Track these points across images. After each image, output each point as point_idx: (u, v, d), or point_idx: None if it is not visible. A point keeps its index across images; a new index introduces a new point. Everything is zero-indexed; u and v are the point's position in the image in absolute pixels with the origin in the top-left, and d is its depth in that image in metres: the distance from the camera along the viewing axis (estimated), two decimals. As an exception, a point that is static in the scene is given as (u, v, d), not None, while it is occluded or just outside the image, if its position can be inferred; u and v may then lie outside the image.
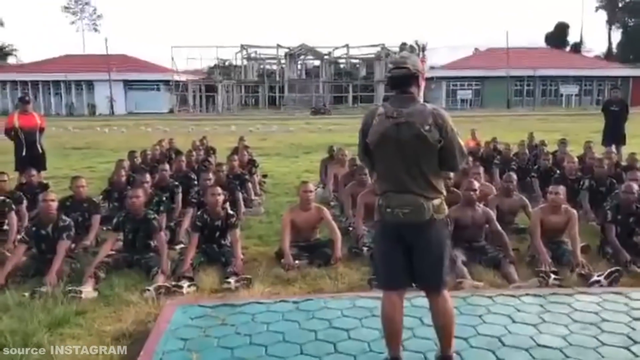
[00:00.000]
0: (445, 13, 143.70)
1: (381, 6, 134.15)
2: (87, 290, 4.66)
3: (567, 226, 5.51)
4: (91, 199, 6.55)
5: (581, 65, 54.57)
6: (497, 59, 50.99)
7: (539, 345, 3.55)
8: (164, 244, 5.38)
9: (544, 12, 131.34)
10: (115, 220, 5.58)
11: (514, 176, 6.62)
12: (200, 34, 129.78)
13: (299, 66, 59.05)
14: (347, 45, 55.93)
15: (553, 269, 5.00)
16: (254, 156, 11.63)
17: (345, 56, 58.05)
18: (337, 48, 56.28)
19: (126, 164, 8.57)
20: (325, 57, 55.06)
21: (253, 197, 8.37)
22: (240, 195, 7.54)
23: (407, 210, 2.98)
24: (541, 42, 70.43)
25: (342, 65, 59.66)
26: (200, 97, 51.72)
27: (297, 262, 5.32)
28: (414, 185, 2.99)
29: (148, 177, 6.89)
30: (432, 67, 50.28)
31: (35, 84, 49.71)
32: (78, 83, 50.51)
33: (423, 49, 59.63)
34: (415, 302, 3.96)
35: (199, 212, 5.82)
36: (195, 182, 7.77)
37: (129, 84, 50.91)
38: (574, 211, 5.59)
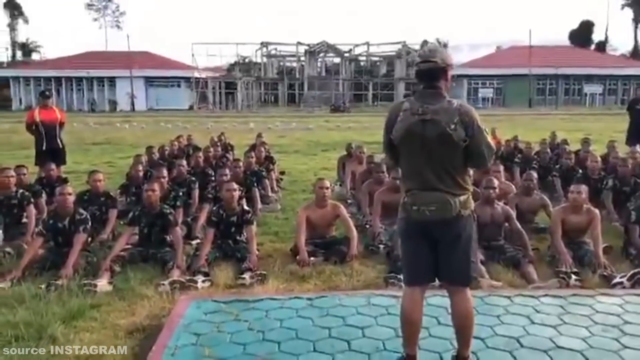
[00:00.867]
0: (467, 10, 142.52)
1: (402, 3, 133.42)
2: (102, 284, 4.67)
3: (589, 226, 5.39)
4: (108, 193, 6.57)
5: (606, 64, 53.63)
6: (520, 57, 50.38)
7: (558, 347, 3.46)
8: (180, 239, 5.37)
9: (568, 10, 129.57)
10: (131, 215, 5.60)
11: (535, 175, 6.50)
12: (221, 31, 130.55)
13: (319, 64, 59.00)
14: (367, 43, 55.77)
15: (574, 269, 4.89)
16: (272, 153, 11.62)
17: (365, 54, 57.88)
18: (357, 45, 56.17)
19: (144, 159, 8.63)
20: (346, 54, 54.97)
21: (270, 193, 8.35)
22: (256, 192, 7.52)
23: (434, 207, 2.92)
24: (565, 40, 69.54)
25: (362, 63, 59.51)
26: (220, 94, 52.00)
27: (312, 258, 5.28)
28: (440, 182, 2.93)
29: (165, 172, 6.90)
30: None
31: (58, 80, 50.43)
32: (100, 79, 51.12)
33: (444, 46, 59.13)
34: (432, 301, 3.88)
35: (214, 208, 5.80)
36: (213, 178, 7.77)
37: (149, 81, 51.39)
38: (597, 211, 5.46)
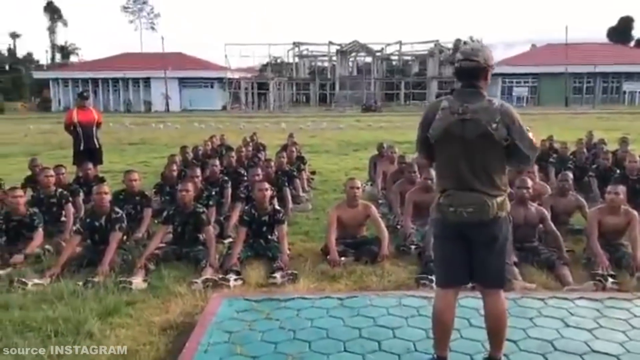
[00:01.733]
0: (502, 8, 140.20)
1: (435, 1, 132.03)
2: (137, 281, 4.76)
3: (627, 228, 5.26)
4: (143, 192, 6.70)
5: (646, 61, 52.12)
6: (555, 54, 49.38)
7: (593, 351, 3.39)
8: (212, 238, 5.44)
9: (606, 6, 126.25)
10: (165, 214, 5.70)
11: (570, 175, 6.37)
12: (253, 32, 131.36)
13: (351, 63, 58.93)
14: (399, 42, 55.50)
15: (611, 272, 4.78)
16: (303, 153, 11.67)
17: (397, 53, 57.56)
18: (389, 45, 55.96)
19: (178, 159, 8.76)
20: (377, 53, 54.77)
21: (301, 193, 8.39)
22: (288, 191, 7.56)
23: (471, 209, 2.88)
24: (603, 37, 67.90)
25: (394, 62, 59.21)
26: (253, 94, 52.42)
27: (342, 258, 5.29)
28: (478, 183, 2.90)
29: (199, 171, 7.00)
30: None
31: (95, 81, 51.64)
32: (135, 80, 52.11)
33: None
34: (463, 302, 3.84)
35: (246, 207, 5.86)
36: (245, 178, 7.85)
37: (183, 82, 52.13)
38: (635, 212, 5.32)
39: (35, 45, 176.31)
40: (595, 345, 3.46)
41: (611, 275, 4.70)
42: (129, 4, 79.22)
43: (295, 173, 8.63)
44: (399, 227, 6.29)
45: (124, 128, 26.98)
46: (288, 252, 5.41)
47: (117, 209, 5.54)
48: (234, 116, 38.28)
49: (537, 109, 41.53)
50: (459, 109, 2.87)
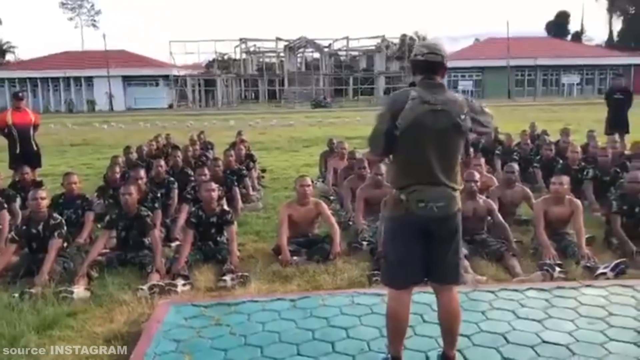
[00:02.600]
0: (445, 3, 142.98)
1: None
2: (79, 290, 4.53)
3: (571, 217, 5.38)
4: (84, 195, 6.40)
5: (582, 54, 54.18)
6: (498, 48, 50.66)
7: (544, 342, 3.42)
8: (158, 242, 5.25)
9: (544, 1, 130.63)
10: (107, 218, 5.46)
11: (516, 167, 6.47)
12: (199, 28, 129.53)
13: (299, 59, 58.72)
14: (347, 37, 55.66)
15: (557, 261, 4.87)
16: (253, 150, 11.51)
17: (345, 48, 57.74)
18: (336, 40, 56.02)
19: (121, 160, 8.46)
20: (325, 49, 54.76)
21: (251, 192, 8.23)
22: (237, 191, 7.41)
23: (442, 203, 2.83)
24: (542, 31, 70.17)
25: (342, 58, 59.35)
26: (200, 91, 51.47)
27: (295, 258, 5.20)
28: (445, 176, 2.85)
29: (143, 173, 6.74)
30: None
31: (33, 81, 49.51)
32: (77, 79, 50.27)
33: (423, 40, 59.25)
34: (416, 297, 3.75)
35: (194, 209, 5.69)
36: (192, 178, 7.63)
37: (127, 80, 50.68)
38: (579, 202, 5.45)
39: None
40: (545, 336, 3.49)
41: (558, 265, 4.79)
42: (68, 1, 76.39)
43: (244, 171, 8.46)
44: (350, 223, 6.24)
45: (65, 129, 25.99)
46: (238, 253, 5.26)
47: (55, 215, 5.26)
48: (180, 114, 37.49)
49: (482, 102, 42.43)
50: (430, 99, 2.80)
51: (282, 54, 54.83)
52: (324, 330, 3.65)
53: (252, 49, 55.82)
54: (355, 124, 23.64)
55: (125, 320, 4.05)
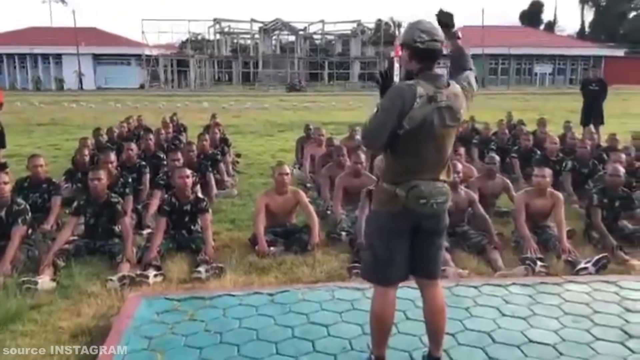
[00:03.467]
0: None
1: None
2: (44, 281, 4.29)
3: (552, 210, 5.32)
4: (51, 179, 6.09)
5: (555, 44, 54.76)
6: (472, 36, 50.74)
7: (531, 341, 3.33)
8: (129, 230, 5.02)
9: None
10: (75, 204, 5.20)
11: (497, 158, 6.37)
12: (172, 7, 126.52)
13: (274, 42, 58.04)
14: (322, 21, 55.13)
15: (539, 255, 4.81)
16: (227, 134, 11.25)
17: (320, 32, 57.24)
18: (312, 23, 55.45)
19: (90, 142, 8.12)
20: (300, 32, 54.19)
21: (226, 178, 8.00)
22: (211, 177, 7.18)
23: (440, 200, 2.69)
24: (516, 20, 70.69)
25: (317, 42, 58.86)
26: (172, 72, 50.48)
27: (272, 248, 5.02)
28: (442, 172, 2.74)
29: (113, 156, 6.46)
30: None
31: (-2, 56, 47.89)
32: (45, 56, 48.74)
33: (399, 26, 59.07)
34: (399, 293, 3.64)
35: (166, 195, 5.46)
36: (165, 162, 7.36)
37: (98, 58, 49.39)
38: (560, 195, 5.40)
39: None
40: (531, 335, 3.40)
41: (539, 259, 4.73)
42: (36, -26, 73.97)
43: (218, 156, 8.22)
44: (328, 212, 6.09)
45: (32, 107, 25.18)
46: (213, 243, 5.06)
47: (19, 200, 4.98)
48: (152, 95, 36.70)
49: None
50: (435, 96, 2.62)
51: (256, 36, 54.05)
52: (303, 328, 3.49)
53: (226, 30, 54.90)
54: (331, 108, 23.48)
55: (93, 313, 3.85)
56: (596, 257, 4.66)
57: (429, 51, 2.66)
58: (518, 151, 8.51)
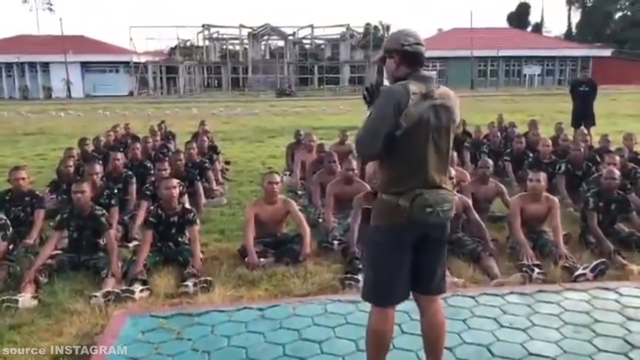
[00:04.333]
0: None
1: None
2: (25, 299, 4.13)
3: (548, 215, 5.22)
4: (34, 192, 5.90)
5: (543, 45, 55.02)
6: (461, 39, 50.92)
7: (531, 354, 3.21)
8: (114, 244, 4.86)
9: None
10: (58, 217, 5.03)
11: (490, 162, 6.28)
12: (160, 14, 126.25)
13: (263, 47, 57.87)
14: (311, 26, 55.04)
15: (536, 262, 4.70)
16: (216, 141, 11.08)
17: (309, 37, 57.18)
18: (301, 28, 55.34)
19: (76, 152, 7.94)
20: (290, 37, 54.09)
21: (214, 186, 7.85)
22: (200, 186, 7.02)
23: (446, 207, 2.56)
24: (503, 22, 71.01)
25: (307, 46, 58.79)
26: (161, 78, 50.17)
27: (262, 260, 4.88)
28: (444, 178, 2.62)
29: (98, 167, 6.29)
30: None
31: (-16, 66, 47.39)
32: (32, 65, 48.27)
33: (387, 29, 59.20)
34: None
35: (153, 207, 5.31)
36: (152, 172, 7.21)
37: (86, 66, 48.99)
38: (556, 199, 5.30)
39: None
40: (531, 347, 3.29)
41: (536, 265, 4.62)
42: (22, -18, 73.43)
43: (207, 164, 8.06)
44: (320, 219, 5.96)
45: (19, 117, 24.85)
46: (201, 255, 4.92)
47: (0, 215, 4.81)
48: (141, 102, 36.41)
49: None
50: (429, 93, 2.53)
51: (245, 42, 53.87)
52: (295, 345, 3.35)
53: (215, 36, 54.72)
54: (321, 113, 23.35)
55: (76, 332, 3.69)
56: (594, 263, 4.56)
57: (417, 54, 2.62)
58: (511, 154, 8.42)
